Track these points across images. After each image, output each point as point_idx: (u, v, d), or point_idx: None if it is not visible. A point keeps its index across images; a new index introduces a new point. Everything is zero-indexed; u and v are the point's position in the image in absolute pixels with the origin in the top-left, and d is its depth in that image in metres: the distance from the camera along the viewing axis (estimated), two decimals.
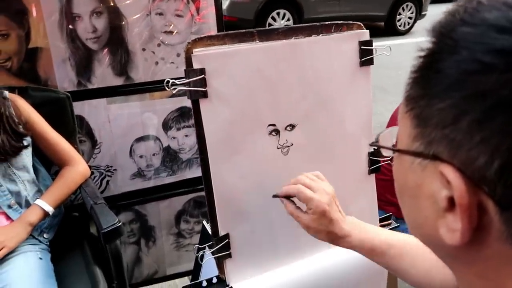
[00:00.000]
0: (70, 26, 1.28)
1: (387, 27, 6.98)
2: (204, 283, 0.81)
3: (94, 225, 1.25)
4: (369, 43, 0.85)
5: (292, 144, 0.81)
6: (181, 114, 1.49)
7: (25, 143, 1.12)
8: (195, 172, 1.58)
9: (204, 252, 0.79)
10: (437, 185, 0.31)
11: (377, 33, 6.92)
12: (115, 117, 1.41)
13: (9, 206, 1.11)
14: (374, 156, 0.91)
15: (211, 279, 0.82)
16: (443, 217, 0.31)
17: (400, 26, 6.96)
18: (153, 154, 1.50)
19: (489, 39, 0.27)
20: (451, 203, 0.30)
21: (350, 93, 0.86)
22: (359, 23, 0.85)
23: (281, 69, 0.77)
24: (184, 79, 0.70)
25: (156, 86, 1.42)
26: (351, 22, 0.84)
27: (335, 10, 6.25)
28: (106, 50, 1.34)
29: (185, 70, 0.70)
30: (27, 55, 1.26)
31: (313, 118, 0.82)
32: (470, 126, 0.27)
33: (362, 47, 0.85)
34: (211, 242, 0.78)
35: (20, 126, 1.10)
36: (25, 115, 1.13)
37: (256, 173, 0.79)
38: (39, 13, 1.24)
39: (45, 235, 1.17)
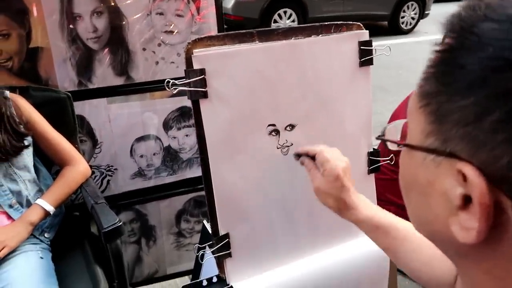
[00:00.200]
0: (71, 26, 1.28)
1: (390, 26, 7.02)
2: (205, 282, 0.82)
3: (94, 225, 1.25)
4: (368, 43, 0.86)
5: (292, 144, 0.81)
6: (182, 114, 1.49)
7: (26, 143, 1.13)
8: (196, 171, 1.58)
9: (204, 251, 0.79)
10: (451, 183, 0.30)
11: (380, 32, 6.93)
12: (115, 117, 1.41)
13: (10, 206, 1.12)
14: (374, 156, 0.92)
15: (211, 278, 0.82)
16: (455, 215, 0.30)
17: (403, 25, 6.99)
18: (154, 154, 1.51)
19: None
20: (464, 201, 0.29)
21: (349, 93, 0.86)
22: (359, 23, 0.85)
23: (281, 69, 0.77)
24: (184, 79, 0.70)
25: (156, 85, 1.43)
26: (351, 22, 0.85)
27: (339, 9, 6.30)
28: (106, 50, 1.34)
29: (185, 70, 0.70)
30: (28, 55, 1.26)
31: (313, 118, 0.82)
32: (494, 126, 0.27)
33: (362, 47, 0.85)
34: (211, 242, 0.79)
35: (21, 126, 1.11)
36: (26, 115, 1.13)
37: (256, 173, 0.79)
38: (40, 13, 1.25)
39: (46, 235, 1.18)
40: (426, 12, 7.10)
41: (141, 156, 1.50)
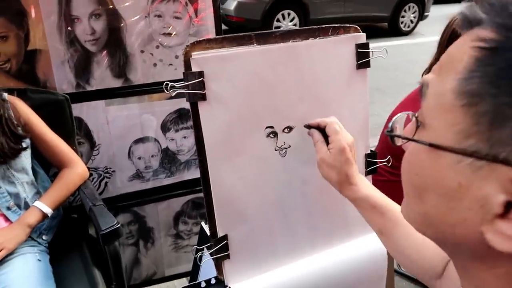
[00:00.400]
0: (69, 28, 1.28)
1: (390, 28, 7.08)
2: (203, 284, 0.82)
3: (92, 227, 1.25)
4: (365, 45, 0.86)
5: (290, 146, 0.82)
6: (180, 116, 1.49)
7: (24, 145, 1.13)
8: (194, 173, 1.58)
9: (202, 253, 0.80)
10: (493, 189, 0.29)
11: (380, 33, 6.97)
12: (113, 119, 1.41)
13: (8, 208, 1.12)
14: (371, 157, 0.92)
15: (209, 280, 0.82)
16: (491, 222, 0.29)
17: (403, 26, 7.04)
18: (152, 156, 1.51)
19: None
20: (506, 209, 0.28)
21: (347, 95, 0.86)
22: (356, 26, 0.86)
23: (279, 71, 0.78)
24: (183, 81, 0.70)
25: (154, 88, 1.43)
26: (348, 25, 0.85)
27: (340, 11, 6.35)
28: (104, 52, 1.35)
29: (184, 73, 0.71)
30: (26, 57, 1.26)
31: (310, 120, 0.83)
32: None
33: (359, 49, 0.85)
34: (209, 243, 0.79)
35: (19, 128, 1.11)
36: (24, 117, 1.13)
37: (254, 175, 0.79)
38: (38, 15, 1.25)
39: (44, 237, 1.18)
40: (426, 13, 7.17)
41: (139, 158, 1.50)
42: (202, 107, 0.72)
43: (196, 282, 0.82)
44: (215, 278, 0.82)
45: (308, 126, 0.78)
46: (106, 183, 1.48)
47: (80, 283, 1.11)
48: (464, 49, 0.31)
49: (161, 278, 1.68)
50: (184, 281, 1.70)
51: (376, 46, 0.82)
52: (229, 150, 0.76)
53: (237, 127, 0.76)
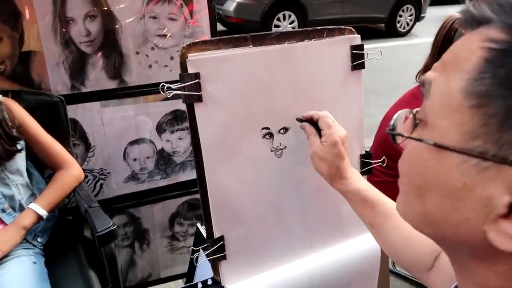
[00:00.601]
0: (64, 30, 1.28)
1: (387, 29, 7.16)
2: (200, 285, 0.82)
3: (88, 229, 1.25)
4: (360, 47, 0.87)
5: (286, 147, 0.82)
6: (175, 117, 1.50)
7: (18, 146, 1.12)
8: (189, 174, 1.58)
9: (198, 254, 0.80)
10: (498, 190, 0.29)
11: (378, 35, 7.03)
12: (108, 120, 1.41)
13: (3, 210, 1.11)
14: (366, 158, 0.93)
15: (206, 281, 0.82)
16: (494, 222, 0.29)
17: (400, 28, 7.12)
18: (147, 157, 1.51)
19: None
20: (510, 210, 0.29)
21: (342, 96, 0.87)
22: (351, 28, 0.87)
23: (274, 73, 0.78)
24: (179, 83, 0.71)
25: (150, 89, 1.43)
26: (343, 27, 0.86)
27: (338, 12, 6.42)
28: (99, 53, 1.34)
29: (180, 74, 0.71)
30: (20, 59, 1.26)
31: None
32: None
33: (354, 51, 0.86)
34: (205, 244, 0.79)
35: (14, 130, 1.10)
36: (19, 119, 1.13)
37: (250, 176, 0.80)
38: (32, 16, 1.24)
39: (39, 239, 1.17)
40: (422, 15, 7.25)
41: (135, 160, 1.49)
42: (198, 108, 0.73)
43: (193, 283, 0.82)
44: (212, 279, 0.82)
45: (301, 120, 0.79)
46: (101, 185, 1.47)
47: (75, 285, 1.10)
48: (472, 48, 0.31)
49: (157, 279, 1.68)
50: (180, 283, 1.70)
51: (370, 47, 0.83)
52: (225, 151, 0.77)
53: (233, 128, 0.76)
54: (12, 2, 1.21)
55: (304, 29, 0.81)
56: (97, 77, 1.36)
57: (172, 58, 1.44)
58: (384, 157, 0.90)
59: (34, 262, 1.11)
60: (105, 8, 1.31)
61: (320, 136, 0.74)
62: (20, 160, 1.15)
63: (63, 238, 1.25)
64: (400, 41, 6.74)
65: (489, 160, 0.29)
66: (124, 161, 1.48)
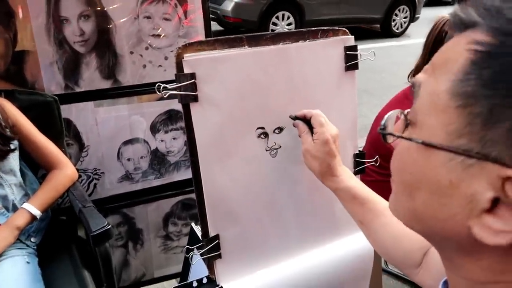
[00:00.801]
0: (58, 29, 1.28)
1: (382, 30, 7.24)
2: (195, 284, 0.83)
3: (82, 229, 1.25)
4: (354, 48, 0.88)
5: (280, 147, 0.83)
6: (169, 117, 1.50)
7: (12, 146, 1.12)
8: (183, 174, 1.59)
9: (193, 253, 0.80)
10: (482, 186, 0.30)
11: (373, 35, 7.10)
12: (102, 120, 1.41)
13: None
14: (359, 157, 0.94)
15: (201, 279, 0.83)
16: (478, 217, 0.31)
17: (395, 28, 7.21)
18: (141, 157, 1.51)
19: None
20: (493, 205, 0.30)
21: (336, 96, 0.88)
22: (345, 29, 0.88)
23: (269, 73, 0.79)
24: (174, 83, 0.71)
25: (144, 89, 1.43)
26: (337, 28, 0.87)
27: (334, 12, 6.49)
28: (93, 53, 1.34)
29: (176, 74, 0.71)
30: (13, 58, 1.25)
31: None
32: None
33: (347, 52, 0.87)
34: (200, 243, 0.80)
35: (7, 130, 1.10)
36: (12, 119, 1.12)
37: (245, 175, 0.81)
38: (25, 16, 1.24)
39: (32, 239, 1.17)
40: (417, 16, 7.34)
41: (129, 160, 1.49)
42: (194, 108, 0.73)
43: (188, 281, 0.83)
44: (207, 277, 0.83)
45: (294, 117, 0.80)
46: (95, 185, 1.47)
47: (69, 286, 1.10)
48: (459, 51, 0.32)
49: (151, 279, 1.68)
50: (174, 283, 1.70)
51: (363, 48, 0.84)
52: (221, 150, 0.77)
53: (228, 128, 0.77)
54: (5, 2, 1.20)
55: (299, 30, 0.82)
56: (91, 77, 1.36)
57: (166, 58, 1.44)
58: (377, 156, 0.91)
59: (28, 262, 1.10)
60: (99, 8, 1.31)
61: (313, 134, 0.75)
62: (13, 160, 1.14)
63: (56, 238, 1.25)
64: (393, 41, 6.80)
65: (473, 157, 0.30)
66: (118, 161, 1.48)
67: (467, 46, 0.31)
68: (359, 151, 0.95)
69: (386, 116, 0.40)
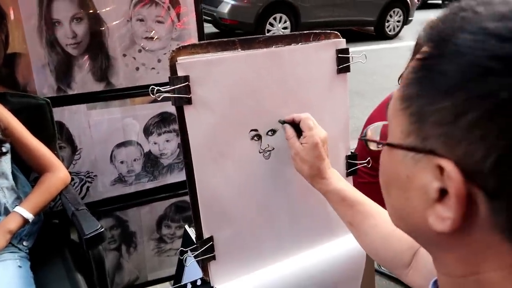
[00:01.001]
0: (50, 32, 1.27)
1: (376, 32, 7.32)
2: (189, 286, 0.83)
3: (74, 232, 1.24)
4: (345, 51, 0.89)
5: (274, 149, 0.84)
6: (162, 120, 1.50)
7: (3, 149, 1.11)
8: (177, 177, 1.59)
9: (187, 255, 0.80)
10: (429, 178, 0.33)
11: (367, 37, 7.17)
12: (95, 123, 1.41)
13: None
14: (352, 159, 0.95)
15: (195, 281, 0.83)
16: (432, 207, 0.34)
17: (388, 31, 7.29)
18: (134, 160, 1.50)
19: (490, 46, 0.30)
20: (441, 194, 0.33)
21: (328, 99, 0.89)
22: (336, 32, 0.89)
23: (262, 76, 0.80)
24: (168, 85, 0.72)
25: (137, 91, 1.43)
26: (329, 31, 0.88)
27: (329, 15, 6.56)
28: (86, 55, 1.34)
29: (169, 77, 0.72)
30: (5, 61, 1.24)
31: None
32: (470, 125, 0.30)
33: (339, 55, 0.88)
34: (194, 246, 0.80)
35: None
36: (4, 121, 1.12)
37: (239, 177, 0.81)
38: (17, 18, 1.23)
39: (24, 243, 1.16)
40: (410, 18, 7.42)
41: (122, 162, 1.49)
42: (187, 111, 0.74)
43: (182, 284, 0.83)
44: (201, 279, 0.83)
45: (283, 122, 0.81)
46: (87, 188, 1.47)
47: None
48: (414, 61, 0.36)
49: (144, 282, 1.67)
50: (167, 285, 1.70)
51: (354, 50, 0.85)
52: (215, 153, 0.78)
53: (222, 131, 0.78)
54: None
55: (291, 33, 0.83)
56: (83, 80, 1.35)
57: (159, 60, 1.44)
58: (369, 158, 0.92)
59: (20, 266, 1.09)
60: (92, 11, 1.31)
61: (301, 137, 0.77)
62: (5, 163, 1.13)
63: (49, 241, 1.24)
64: (385, 44, 6.86)
65: (419, 152, 0.34)
66: (111, 163, 1.47)
67: (417, 56, 0.35)
68: (351, 152, 0.96)
69: (368, 127, 0.46)
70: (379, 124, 0.45)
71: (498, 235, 0.31)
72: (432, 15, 0.36)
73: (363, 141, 0.46)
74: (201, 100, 0.74)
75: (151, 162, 1.53)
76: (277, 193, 0.86)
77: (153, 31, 1.40)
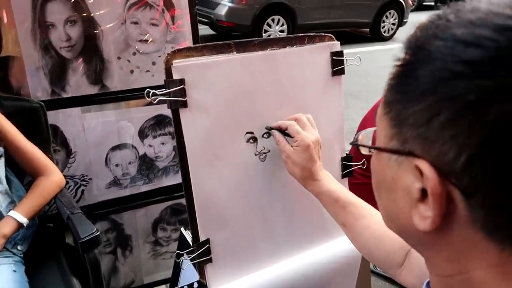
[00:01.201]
0: (44, 35, 1.27)
1: (372, 33, 7.37)
2: None
3: (69, 236, 1.23)
4: (340, 53, 0.90)
5: (269, 151, 0.84)
6: (157, 122, 1.49)
7: None
8: (172, 179, 1.58)
9: (183, 258, 0.80)
10: (411, 179, 0.34)
11: (363, 39, 7.24)
12: (90, 126, 1.40)
13: None
14: (347, 161, 0.96)
15: (192, 284, 0.83)
16: (416, 207, 0.35)
17: (384, 32, 7.35)
18: (129, 163, 1.50)
19: (458, 52, 0.31)
20: (422, 194, 0.34)
21: (323, 101, 0.90)
22: (331, 35, 0.89)
23: (257, 79, 0.80)
24: (163, 88, 0.72)
25: (132, 94, 1.42)
26: (323, 34, 0.89)
27: (325, 17, 6.60)
28: (80, 58, 1.33)
29: (165, 80, 0.72)
30: None
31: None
32: (442, 125, 0.31)
33: (334, 57, 0.89)
34: (190, 248, 0.80)
35: None
36: None
37: (235, 179, 0.81)
38: (10, 21, 1.23)
39: (19, 247, 1.15)
40: (405, 20, 7.48)
41: (117, 165, 1.48)
42: (183, 114, 0.74)
43: (179, 287, 0.83)
44: (198, 282, 0.83)
45: (270, 128, 0.82)
46: (82, 191, 1.46)
47: None
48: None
49: (140, 286, 1.66)
50: None
51: (349, 52, 0.86)
52: (210, 155, 0.78)
53: (217, 133, 0.78)
54: None
55: (286, 36, 0.84)
56: (78, 83, 1.35)
57: (154, 63, 1.44)
58: (364, 159, 0.93)
59: (14, 271, 1.09)
60: (86, 14, 1.31)
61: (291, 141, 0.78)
62: None
63: (44, 245, 1.23)
64: (379, 45, 6.90)
65: (401, 154, 0.35)
66: (106, 166, 1.47)
67: (397, 63, 0.37)
68: (346, 154, 0.96)
69: (360, 133, 0.47)
70: (370, 130, 0.46)
71: (479, 233, 0.32)
72: (426, 17, 0.37)
73: (356, 146, 0.48)
74: (197, 103, 0.74)
75: (146, 165, 1.53)
76: (273, 195, 0.86)
77: (148, 34, 1.40)
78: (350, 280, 0.98)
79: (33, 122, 1.24)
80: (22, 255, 1.16)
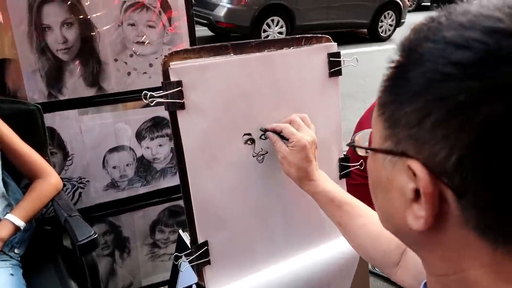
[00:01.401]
0: (40, 37, 1.26)
1: (370, 34, 7.41)
2: None
3: (67, 238, 1.23)
4: (337, 55, 0.90)
5: (267, 152, 0.84)
6: (155, 124, 1.49)
7: None
8: (170, 181, 1.58)
9: (182, 260, 0.80)
10: (405, 179, 0.35)
11: (361, 40, 7.28)
12: (87, 128, 1.40)
13: None
14: (344, 161, 0.96)
15: (190, 286, 0.83)
16: (410, 207, 0.35)
17: (381, 33, 7.39)
18: (127, 165, 1.50)
19: (448, 54, 0.31)
20: (416, 194, 0.34)
21: (320, 102, 0.90)
22: (328, 36, 0.90)
23: (255, 80, 0.80)
24: (160, 90, 0.72)
25: (129, 96, 1.42)
26: (320, 35, 0.89)
27: (323, 17, 6.64)
28: (77, 61, 1.33)
29: (162, 82, 0.72)
30: None
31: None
32: (433, 126, 0.32)
33: (331, 58, 0.89)
34: (189, 250, 0.80)
35: None
36: None
37: (233, 181, 0.81)
38: (6, 23, 1.22)
39: (16, 251, 1.14)
40: (402, 20, 7.53)
41: (114, 167, 1.48)
42: (181, 115, 0.74)
43: None
44: (196, 284, 0.83)
45: (264, 130, 0.82)
46: (80, 194, 1.45)
47: None
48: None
49: None
50: None
51: (346, 53, 0.86)
52: (208, 157, 0.78)
53: (215, 135, 0.78)
54: None
55: (283, 37, 0.84)
56: (74, 85, 1.35)
57: (151, 65, 1.44)
58: (361, 160, 0.93)
59: (12, 274, 1.08)
60: (82, 16, 1.30)
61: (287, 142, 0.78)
62: None
63: (41, 248, 1.23)
64: (377, 46, 6.93)
65: (395, 155, 0.36)
66: (103, 169, 1.46)
67: (390, 65, 0.37)
68: (344, 155, 0.97)
69: (355, 134, 0.48)
70: (367, 131, 0.46)
71: (472, 233, 0.33)
72: (423, 17, 0.37)
73: (352, 148, 0.49)
74: (194, 105, 0.74)
75: (144, 167, 1.52)
76: (271, 197, 0.86)
77: (145, 36, 1.40)
78: (347, 280, 0.98)
79: (30, 124, 1.24)
80: (19, 259, 1.15)
